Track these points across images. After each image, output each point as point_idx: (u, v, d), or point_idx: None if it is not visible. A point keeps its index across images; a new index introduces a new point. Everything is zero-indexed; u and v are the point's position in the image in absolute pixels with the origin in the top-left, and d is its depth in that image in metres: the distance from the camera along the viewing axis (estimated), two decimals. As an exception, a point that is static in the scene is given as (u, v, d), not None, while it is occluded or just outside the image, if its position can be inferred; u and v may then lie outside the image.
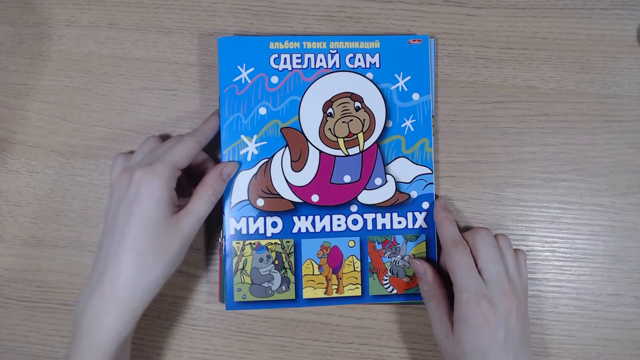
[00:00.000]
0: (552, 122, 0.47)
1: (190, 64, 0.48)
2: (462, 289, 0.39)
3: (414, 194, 0.45)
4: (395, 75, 0.46)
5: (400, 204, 0.45)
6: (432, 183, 0.45)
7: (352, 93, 0.45)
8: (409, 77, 0.46)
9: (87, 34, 0.48)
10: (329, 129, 0.45)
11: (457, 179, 0.47)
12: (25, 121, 0.48)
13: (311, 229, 0.44)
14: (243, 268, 0.44)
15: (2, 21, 0.49)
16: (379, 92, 0.45)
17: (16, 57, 0.48)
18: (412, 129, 0.45)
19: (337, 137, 0.45)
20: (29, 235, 0.47)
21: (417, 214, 0.45)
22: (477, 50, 0.48)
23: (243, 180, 0.44)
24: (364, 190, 0.45)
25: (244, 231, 0.44)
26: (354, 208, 0.45)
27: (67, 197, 0.47)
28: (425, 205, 0.45)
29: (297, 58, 0.45)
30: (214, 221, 0.47)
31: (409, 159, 0.45)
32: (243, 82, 0.45)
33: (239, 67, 0.45)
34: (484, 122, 0.47)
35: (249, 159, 0.45)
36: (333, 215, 0.45)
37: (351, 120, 0.45)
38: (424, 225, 0.45)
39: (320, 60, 0.45)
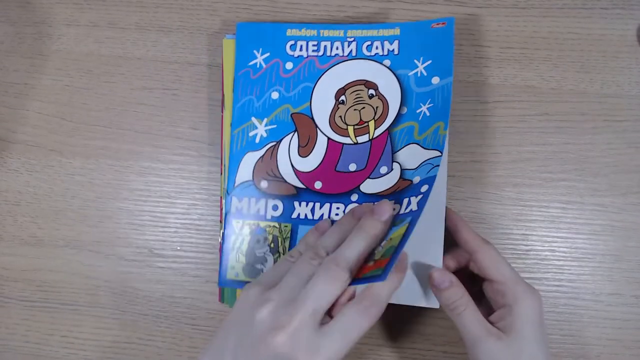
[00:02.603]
0: (552, 122, 0.47)
1: (190, 63, 0.48)
2: (516, 280, 0.37)
3: (416, 179, 0.43)
4: (415, 60, 0.45)
5: (400, 191, 0.43)
6: (438, 166, 0.42)
7: (367, 81, 0.45)
8: (429, 62, 0.44)
9: (87, 34, 0.48)
10: (340, 117, 0.45)
11: (457, 178, 0.47)
12: (25, 120, 0.48)
13: (310, 216, 0.44)
14: (239, 247, 0.44)
15: (2, 21, 0.48)
16: (396, 79, 0.45)
17: (16, 57, 0.48)
18: (427, 114, 0.44)
19: (347, 125, 0.45)
20: (28, 235, 0.47)
21: (412, 198, 0.42)
22: (477, 50, 0.48)
23: (249, 161, 0.44)
24: (368, 179, 0.44)
25: (244, 211, 0.44)
26: (354, 197, 0.44)
27: (66, 197, 0.47)
28: (424, 188, 0.42)
29: (313, 45, 0.46)
30: (214, 221, 0.47)
31: (420, 145, 0.44)
32: (258, 66, 0.45)
33: (255, 51, 0.45)
34: (484, 122, 0.47)
35: (257, 141, 0.45)
36: (333, 204, 0.44)
37: (363, 107, 0.45)
38: (414, 208, 0.40)
39: (337, 48, 0.46)
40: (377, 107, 0.45)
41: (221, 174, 0.46)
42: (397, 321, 0.46)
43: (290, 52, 0.45)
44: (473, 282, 0.41)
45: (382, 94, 0.45)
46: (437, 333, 0.46)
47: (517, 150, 0.47)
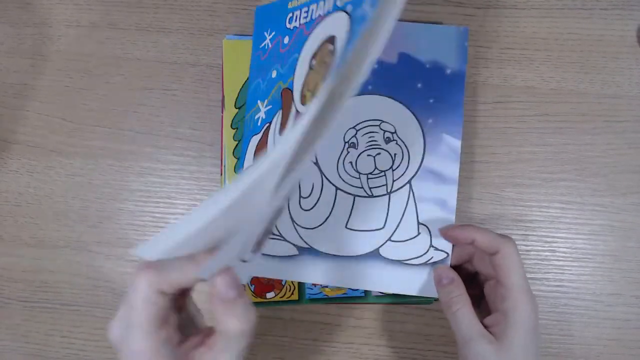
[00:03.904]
0: (552, 122, 0.47)
1: (190, 64, 0.48)
2: (523, 290, 0.36)
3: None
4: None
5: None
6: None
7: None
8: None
9: (87, 34, 0.48)
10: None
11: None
12: (25, 121, 0.48)
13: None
14: None
15: (2, 21, 0.48)
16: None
17: (16, 57, 0.48)
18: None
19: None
20: (29, 236, 0.47)
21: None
22: (477, 50, 0.48)
23: (252, 145, 0.43)
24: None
25: None
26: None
27: (67, 197, 0.47)
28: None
29: (304, 12, 0.41)
30: (214, 221, 0.47)
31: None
32: (266, 47, 0.44)
33: (265, 33, 0.44)
34: (484, 122, 0.47)
35: (259, 123, 0.43)
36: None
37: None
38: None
39: (318, 8, 0.40)
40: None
41: (221, 174, 0.46)
42: (397, 321, 0.46)
43: (288, 26, 0.42)
44: (472, 283, 0.41)
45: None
46: (437, 333, 0.46)
47: (517, 151, 0.47)
